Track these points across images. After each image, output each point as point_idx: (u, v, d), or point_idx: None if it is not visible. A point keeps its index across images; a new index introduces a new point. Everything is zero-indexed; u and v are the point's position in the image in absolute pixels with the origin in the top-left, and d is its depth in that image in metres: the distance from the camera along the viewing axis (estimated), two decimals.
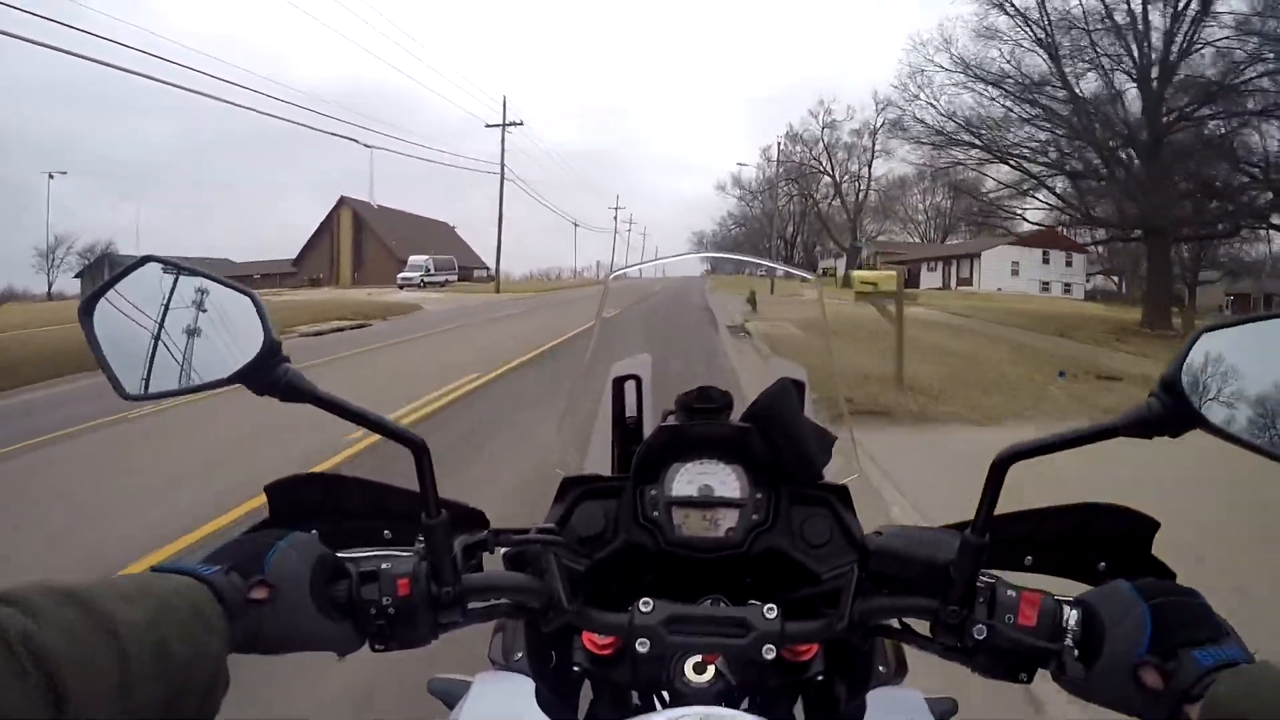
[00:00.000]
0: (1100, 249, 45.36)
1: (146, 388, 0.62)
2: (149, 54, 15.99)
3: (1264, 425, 0.53)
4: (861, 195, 59.21)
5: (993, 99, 23.91)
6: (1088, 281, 52.45)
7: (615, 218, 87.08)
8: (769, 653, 0.64)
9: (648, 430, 0.96)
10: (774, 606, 0.65)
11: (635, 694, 0.78)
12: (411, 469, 0.62)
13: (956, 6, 36.43)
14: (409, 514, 0.73)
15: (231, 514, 4.30)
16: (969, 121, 24.60)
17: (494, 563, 0.70)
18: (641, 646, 0.64)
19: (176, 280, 0.62)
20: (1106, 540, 0.71)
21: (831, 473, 0.83)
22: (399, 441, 0.61)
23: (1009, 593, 0.59)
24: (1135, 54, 21.36)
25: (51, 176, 53.97)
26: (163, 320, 0.62)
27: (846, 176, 58.93)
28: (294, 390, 0.58)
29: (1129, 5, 20.81)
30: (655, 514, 0.80)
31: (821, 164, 58.93)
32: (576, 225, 77.17)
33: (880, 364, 8.55)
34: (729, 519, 0.79)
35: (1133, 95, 22.06)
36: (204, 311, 0.62)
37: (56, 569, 3.61)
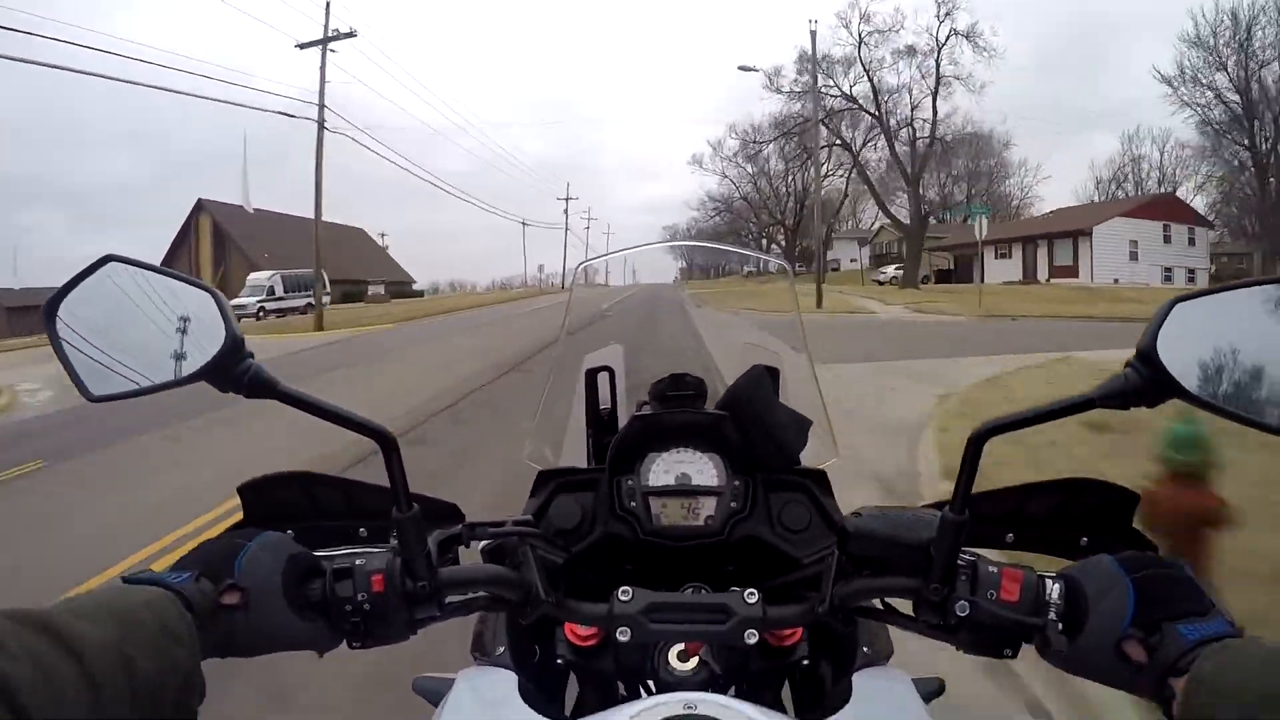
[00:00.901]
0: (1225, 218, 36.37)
1: (112, 388, 0.61)
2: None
3: (1237, 392, 0.53)
4: (923, 141, 36.35)
5: None
6: (1212, 265, 36.84)
7: (566, 210, 74.17)
8: (751, 637, 0.63)
9: (622, 421, 0.96)
10: (755, 591, 0.65)
11: (621, 685, 0.77)
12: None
13: None
14: (384, 510, 0.72)
15: None
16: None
17: (472, 558, 0.70)
18: (623, 635, 0.64)
19: (138, 279, 0.61)
20: (1087, 515, 0.71)
21: (808, 457, 0.83)
22: (366, 435, 0.60)
23: (990, 569, 0.59)
24: None
25: None
26: (125, 320, 0.61)
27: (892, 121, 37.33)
28: (259, 386, 0.58)
29: None
30: (633, 504, 0.79)
31: (854, 99, 36.34)
32: (525, 224, 70.64)
33: None
34: (707, 507, 0.79)
35: None
36: (166, 310, 0.61)
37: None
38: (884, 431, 5.63)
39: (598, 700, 0.78)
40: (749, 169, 51.25)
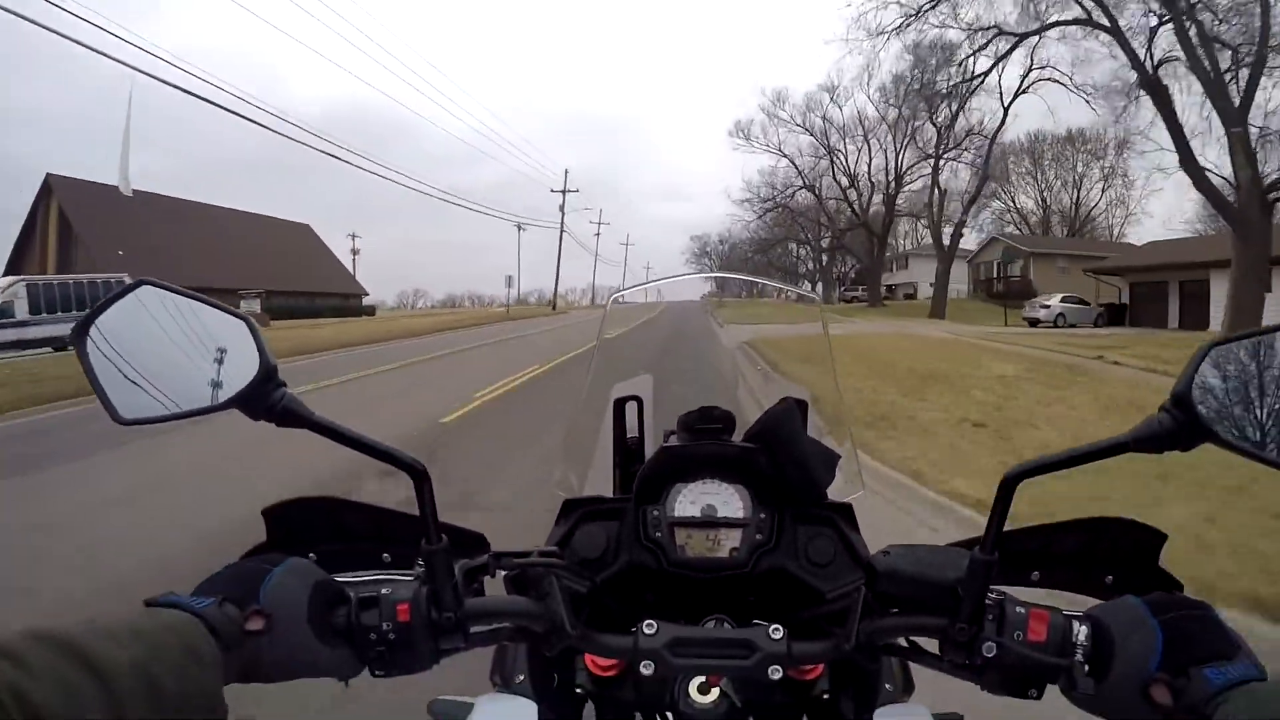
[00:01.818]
0: None
1: (141, 413, 0.61)
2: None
3: (1272, 436, 0.53)
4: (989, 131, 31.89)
5: None
6: None
7: (562, 205, 60.23)
8: (775, 673, 0.63)
9: (649, 451, 0.96)
10: (780, 627, 0.64)
11: (639, 715, 0.77)
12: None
13: None
14: (408, 537, 0.72)
15: None
16: None
17: (495, 585, 0.70)
18: (646, 669, 0.64)
19: (171, 305, 0.62)
20: (1114, 554, 0.70)
21: (835, 491, 0.82)
22: (398, 467, 0.60)
23: (1018, 609, 0.58)
24: None
25: None
26: (157, 345, 0.61)
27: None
28: (291, 415, 0.58)
29: None
30: (658, 535, 0.79)
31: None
32: (521, 228, 63.71)
33: None
34: (732, 539, 0.78)
35: None
36: (198, 336, 0.61)
37: None
38: None
39: None
40: (816, 137, 42.74)
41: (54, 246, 33.34)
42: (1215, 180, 18.52)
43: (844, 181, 46.26)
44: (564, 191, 62.90)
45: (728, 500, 0.80)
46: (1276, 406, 0.53)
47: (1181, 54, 18.09)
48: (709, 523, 0.79)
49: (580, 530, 0.81)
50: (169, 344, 0.61)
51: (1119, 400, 8.30)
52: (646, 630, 0.64)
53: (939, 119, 34.72)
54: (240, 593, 0.58)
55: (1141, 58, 19.34)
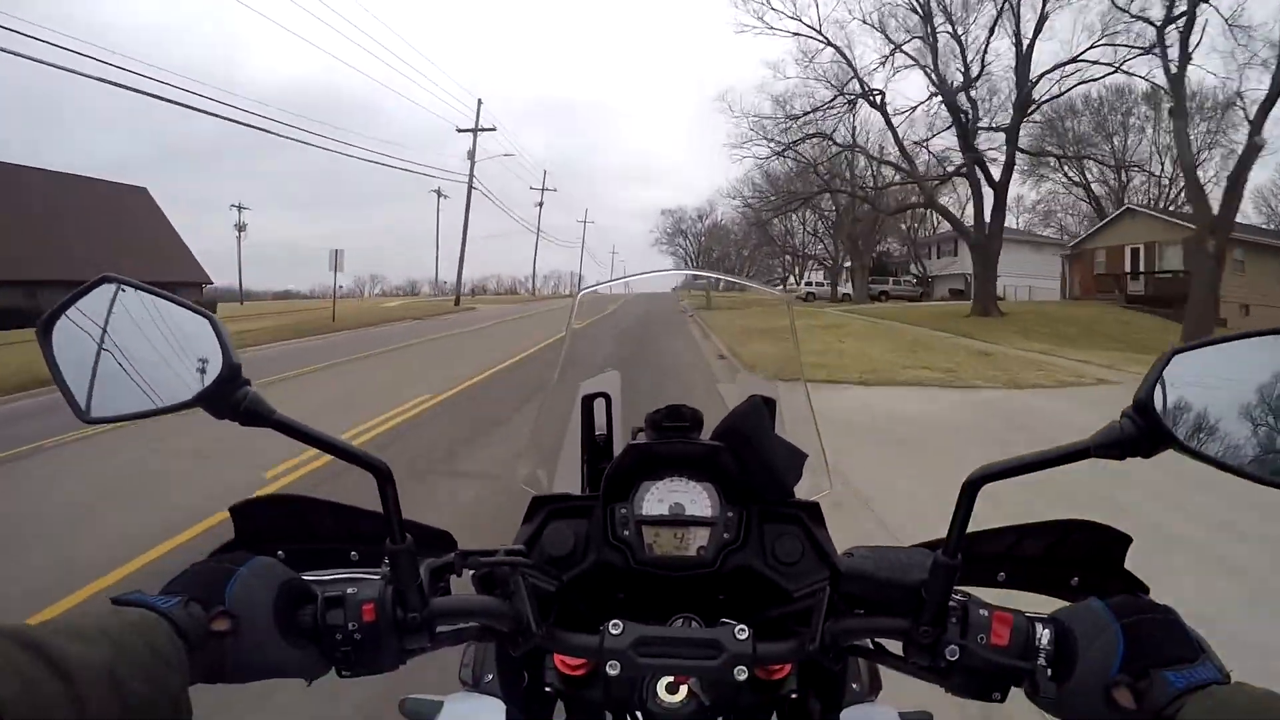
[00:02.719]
0: None
1: (106, 410, 0.61)
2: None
3: (1235, 445, 0.53)
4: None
5: None
6: None
7: (472, 153, 41.34)
8: (741, 674, 0.63)
9: (617, 448, 0.96)
10: (745, 628, 0.65)
11: (609, 715, 0.77)
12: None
13: None
14: (376, 535, 0.72)
15: None
16: None
17: (463, 584, 0.69)
18: (612, 669, 0.64)
19: (135, 300, 0.61)
20: (1079, 556, 0.71)
21: (803, 490, 0.83)
22: (361, 466, 0.60)
23: (981, 612, 0.59)
24: None
25: None
26: (121, 342, 0.61)
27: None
28: (254, 415, 0.58)
29: None
30: (625, 533, 0.79)
31: None
32: (440, 193, 55.11)
33: None
34: (700, 538, 0.79)
35: None
36: (163, 333, 0.61)
37: None
38: None
39: None
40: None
41: None
42: None
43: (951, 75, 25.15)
44: (475, 131, 42.09)
45: (695, 499, 0.80)
46: (1238, 414, 0.53)
47: None
48: (677, 521, 0.79)
49: (548, 528, 0.81)
50: (133, 341, 0.61)
51: None
52: (612, 630, 0.65)
53: None
54: (206, 592, 0.58)
55: None
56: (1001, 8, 23.49)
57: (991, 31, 24.25)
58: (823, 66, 27.07)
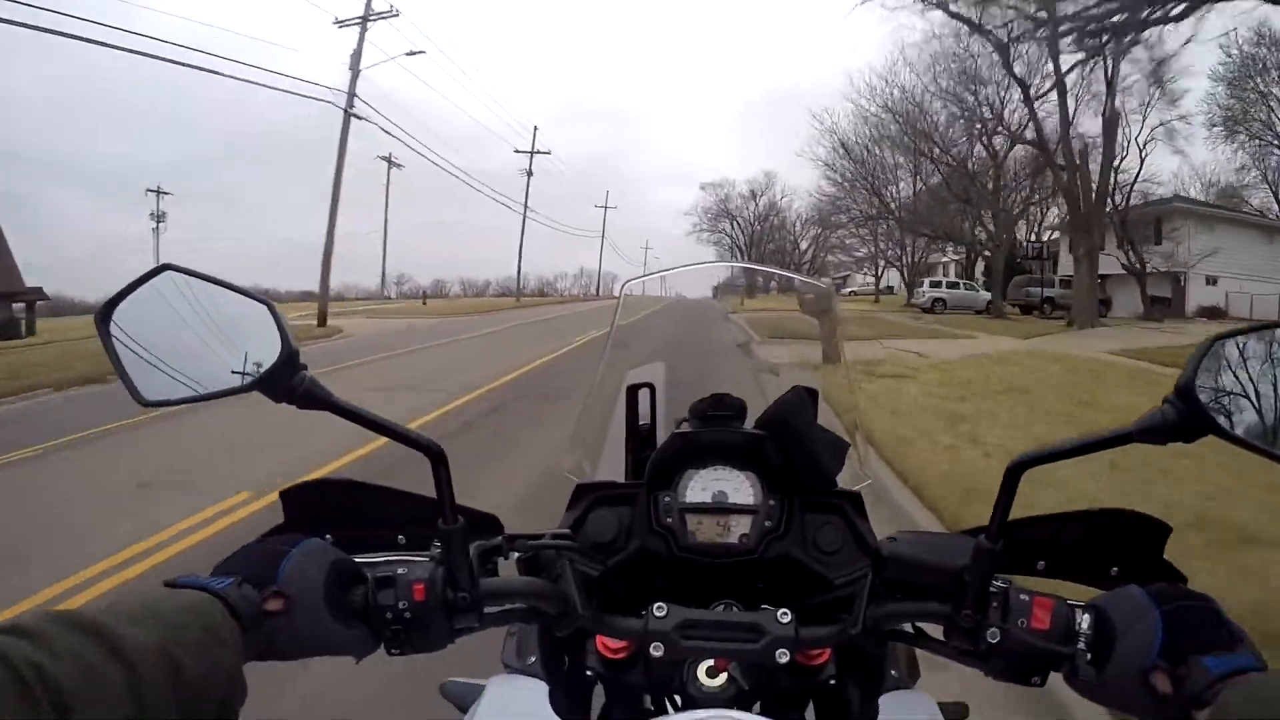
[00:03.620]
0: None
1: (163, 394, 0.62)
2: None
3: (1273, 429, 0.54)
4: None
5: None
6: None
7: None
8: (782, 657, 0.64)
9: (661, 437, 0.97)
10: (788, 611, 0.66)
11: (648, 697, 0.78)
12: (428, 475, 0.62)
13: None
14: (423, 519, 0.73)
15: None
16: None
17: (508, 568, 0.71)
18: (656, 651, 0.65)
19: (193, 288, 0.63)
20: (1119, 545, 0.71)
21: (844, 480, 0.83)
22: (416, 449, 0.61)
23: (1022, 597, 0.59)
24: None
25: None
26: (180, 328, 0.62)
27: None
28: (312, 398, 0.59)
29: None
30: (669, 520, 0.80)
31: None
32: (391, 160, 47.64)
33: None
34: (742, 525, 0.80)
35: None
36: (221, 319, 0.62)
37: None
38: None
39: (624, 712, 0.79)
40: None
41: None
42: None
43: None
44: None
45: (738, 487, 0.81)
46: (1277, 399, 0.54)
47: None
48: (719, 509, 0.80)
49: (592, 514, 0.82)
50: (190, 327, 0.63)
51: None
52: (657, 613, 0.66)
53: None
54: (259, 573, 0.59)
55: None
56: None
57: None
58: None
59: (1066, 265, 28.32)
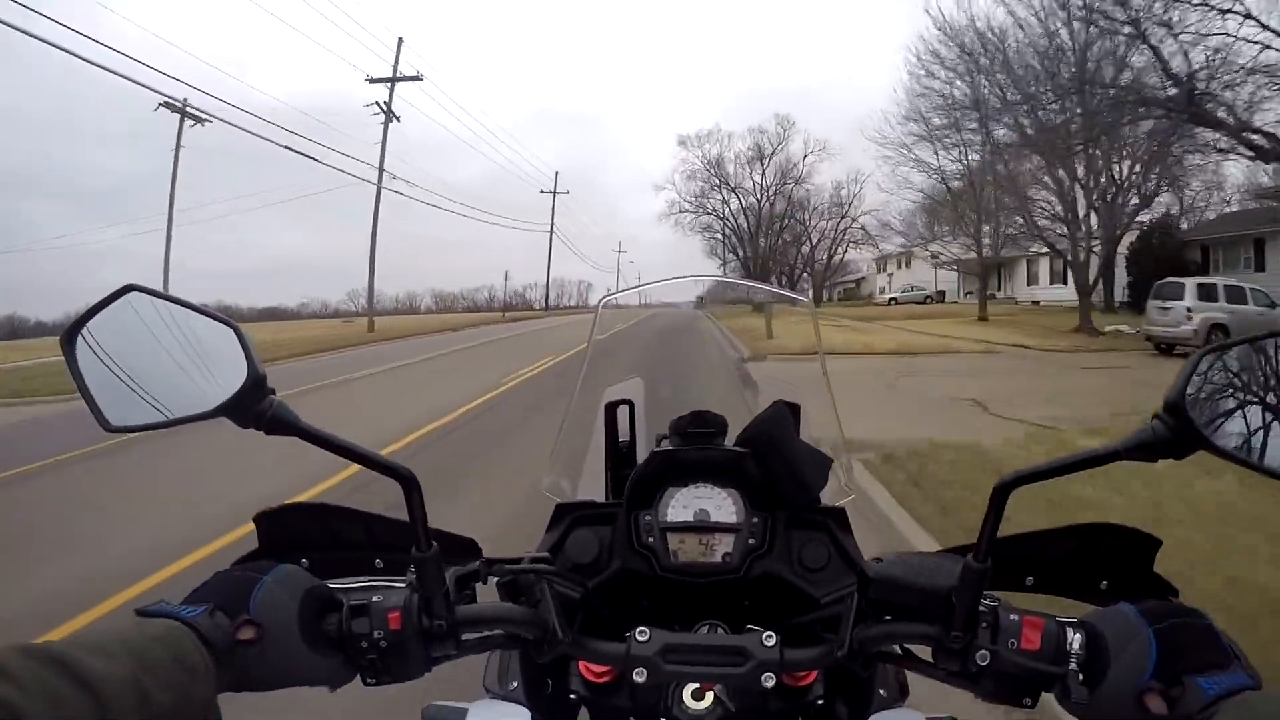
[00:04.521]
0: None
1: (129, 420, 0.61)
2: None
3: (1265, 445, 0.53)
4: None
5: None
6: None
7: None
8: (768, 680, 0.63)
9: (641, 455, 0.96)
10: (773, 634, 0.64)
11: None
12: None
13: None
14: (401, 544, 0.72)
15: None
16: None
17: (488, 591, 0.69)
18: (638, 676, 0.63)
19: (158, 310, 0.61)
20: (1108, 559, 0.70)
21: (828, 495, 0.82)
22: (387, 474, 0.60)
23: (1011, 616, 0.58)
24: None
25: None
26: (145, 351, 0.61)
27: None
28: (280, 423, 0.58)
29: None
30: (650, 540, 0.79)
31: None
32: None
33: None
34: (725, 544, 0.78)
35: None
36: (187, 342, 0.61)
37: None
38: None
39: None
40: None
41: None
42: None
43: None
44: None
45: (720, 505, 0.80)
46: (1270, 414, 0.53)
47: None
48: (702, 527, 0.79)
49: (572, 536, 0.81)
50: (157, 350, 0.61)
51: None
52: (639, 637, 0.64)
53: None
54: (231, 601, 0.58)
55: None
56: None
57: None
58: None
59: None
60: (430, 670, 0.63)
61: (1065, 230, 22.98)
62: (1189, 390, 0.52)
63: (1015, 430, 6.86)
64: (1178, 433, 0.51)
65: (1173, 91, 15.83)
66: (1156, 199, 24.56)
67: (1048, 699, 0.59)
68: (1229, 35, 14.17)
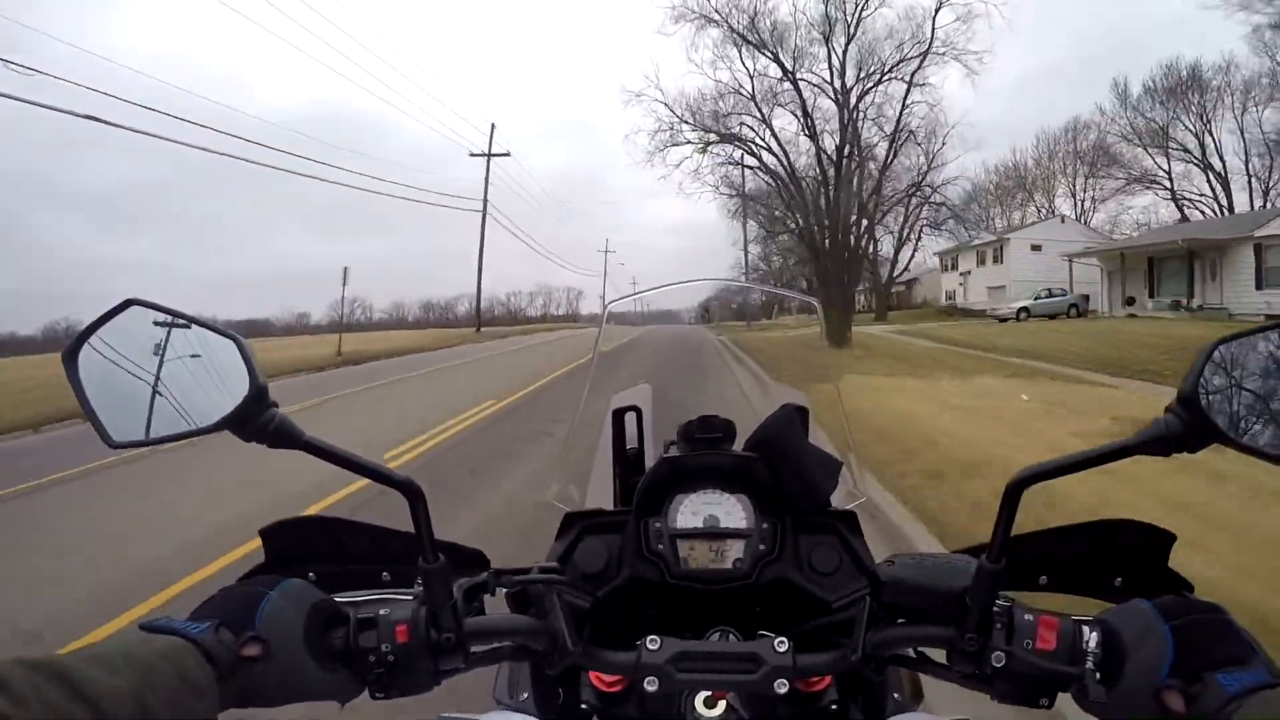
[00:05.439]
0: None
1: (133, 435, 0.60)
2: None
3: None
4: None
5: None
6: None
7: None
8: (781, 687, 0.62)
9: (649, 461, 0.95)
10: (785, 640, 0.64)
11: None
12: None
13: None
14: (408, 556, 0.71)
15: None
16: None
17: (497, 603, 0.69)
18: (650, 685, 0.63)
19: (160, 324, 0.61)
20: (1123, 555, 0.69)
21: (838, 498, 0.81)
22: (391, 486, 0.59)
23: (1026, 616, 0.57)
24: None
25: None
26: (147, 365, 0.61)
27: None
28: (283, 436, 0.57)
29: None
30: (660, 547, 0.78)
31: None
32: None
33: None
34: (735, 550, 0.78)
35: None
36: (189, 355, 0.61)
37: None
38: None
39: None
40: None
41: None
42: None
43: None
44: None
45: (730, 510, 0.79)
46: None
47: None
48: (711, 534, 0.78)
49: (581, 544, 0.80)
50: (158, 364, 0.61)
51: None
52: (650, 646, 0.64)
53: None
54: (236, 617, 0.57)
55: None
56: None
57: None
58: None
59: None
60: (439, 683, 0.62)
61: None
62: (1201, 382, 0.51)
63: None
64: (1191, 425, 0.51)
65: None
66: None
67: (1065, 699, 0.58)
68: None
